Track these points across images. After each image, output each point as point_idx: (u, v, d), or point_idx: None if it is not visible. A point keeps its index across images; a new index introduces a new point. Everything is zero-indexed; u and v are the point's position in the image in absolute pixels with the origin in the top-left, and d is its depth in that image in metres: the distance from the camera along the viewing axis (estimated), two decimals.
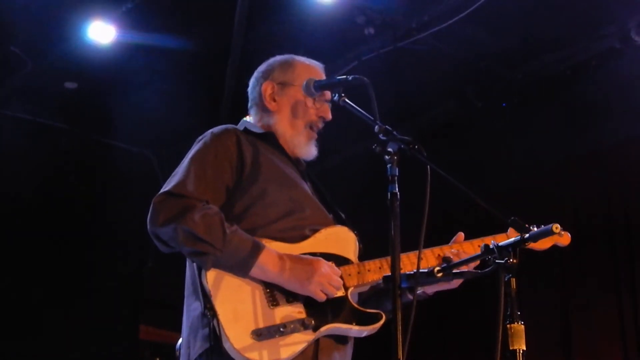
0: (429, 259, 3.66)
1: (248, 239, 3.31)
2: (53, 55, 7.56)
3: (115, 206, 8.88)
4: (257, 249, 3.29)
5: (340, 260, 3.50)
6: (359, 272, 3.50)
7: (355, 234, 3.63)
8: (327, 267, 3.37)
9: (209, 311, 3.22)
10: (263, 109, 3.85)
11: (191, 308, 3.42)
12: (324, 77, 3.84)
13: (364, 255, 3.79)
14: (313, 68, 3.88)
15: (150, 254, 9.04)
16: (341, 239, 3.58)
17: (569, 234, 3.90)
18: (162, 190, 3.40)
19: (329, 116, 3.80)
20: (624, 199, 7.49)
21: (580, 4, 6.76)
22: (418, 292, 3.64)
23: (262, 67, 3.97)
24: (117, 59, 7.45)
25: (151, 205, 3.36)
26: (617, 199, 7.53)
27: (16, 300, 8.31)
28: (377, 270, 3.52)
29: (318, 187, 3.84)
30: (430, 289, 3.71)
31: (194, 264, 3.38)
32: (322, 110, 3.79)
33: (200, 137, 3.66)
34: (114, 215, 8.85)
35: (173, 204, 3.31)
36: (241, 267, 3.28)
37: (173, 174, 3.51)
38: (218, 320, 3.19)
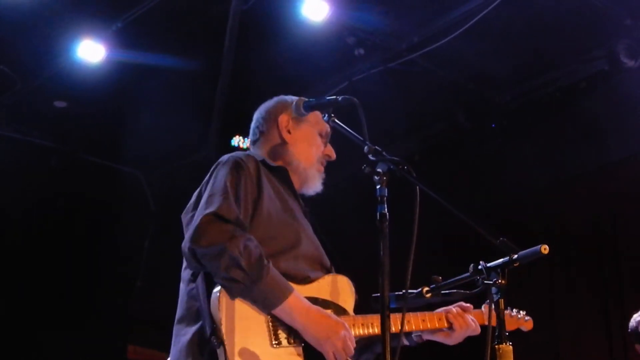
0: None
1: (281, 280, 3.32)
2: (42, 74, 7.56)
3: (104, 226, 8.86)
4: (286, 292, 3.30)
5: (338, 310, 3.53)
6: (353, 325, 3.51)
7: (353, 285, 3.66)
8: (346, 332, 3.38)
9: (216, 339, 3.20)
10: (277, 141, 3.84)
11: (181, 333, 3.39)
12: (326, 126, 3.86)
13: (355, 279, 3.82)
14: (320, 117, 3.89)
15: (139, 274, 9.01)
16: (341, 289, 3.60)
17: (532, 320, 4.12)
18: (208, 211, 3.33)
19: (334, 156, 3.85)
20: (612, 220, 7.50)
21: (570, 26, 6.79)
22: (414, 337, 3.80)
23: (271, 103, 3.94)
24: (107, 78, 7.45)
25: (197, 223, 3.29)
26: (605, 220, 7.54)
27: (3, 319, 8.27)
28: (369, 326, 3.54)
29: (316, 228, 3.85)
30: (427, 336, 3.80)
31: (202, 287, 3.36)
32: (328, 149, 3.86)
33: (223, 160, 3.62)
34: (103, 234, 8.83)
35: (221, 228, 3.28)
36: (267, 304, 3.29)
37: (210, 193, 3.44)
38: (225, 349, 3.18)
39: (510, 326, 3.99)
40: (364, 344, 3.70)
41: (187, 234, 3.31)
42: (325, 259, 3.69)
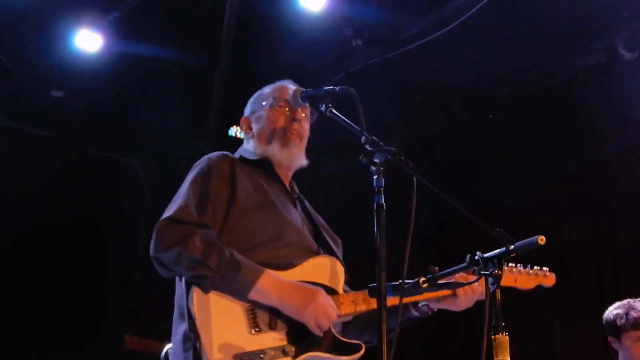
0: None
1: (248, 263, 3.36)
2: (39, 64, 7.55)
3: (101, 216, 8.86)
4: (256, 273, 3.34)
5: (326, 290, 3.52)
6: (342, 303, 3.52)
7: (343, 265, 3.66)
8: (324, 298, 3.41)
9: (192, 333, 3.26)
10: (246, 140, 3.96)
11: (176, 332, 3.45)
12: (289, 90, 3.87)
13: (352, 269, 3.82)
14: (275, 87, 3.96)
15: (136, 264, 9.01)
16: (328, 270, 3.60)
17: (554, 275, 3.98)
18: (164, 216, 3.44)
19: (299, 115, 3.82)
20: (610, 213, 7.49)
21: (568, 18, 6.78)
22: (421, 307, 3.77)
23: None
24: (104, 68, 7.44)
25: (154, 231, 3.40)
26: (603, 213, 7.54)
27: (1, 307, 8.26)
28: (361, 302, 3.55)
29: (310, 215, 3.88)
30: (434, 305, 3.76)
31: (183, 286, 3.40)
32: (292, 113, 3.83)
33: (197, 163, 3.72)
34: (100, 225, 8.82)
35: (175, 230, 3.37)
36: (241, 290, 3.32)
37: (174, 199, 3.55)
38: (200, 344, 3.23)
39: (529, 284, 3.93)
40: (365, 322, 3.70)
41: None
42: (312, 244, 3.70)
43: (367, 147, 3.16)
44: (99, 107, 8.17)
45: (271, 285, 3.34)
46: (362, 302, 3.54)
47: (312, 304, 3.35)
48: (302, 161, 3.86)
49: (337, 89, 3.46)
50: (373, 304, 3.48)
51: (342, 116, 3.40)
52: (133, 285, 9.09)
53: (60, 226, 8.72)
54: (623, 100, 7.06)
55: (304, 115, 3.85)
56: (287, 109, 3.83)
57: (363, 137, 3.19)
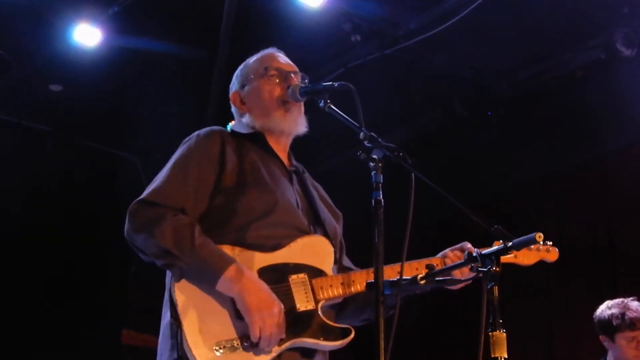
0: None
1: (217, 253, 3.29)
2: (38, 58, 7.54)
3: (99, 210, 8.85)
4: (225, 265, 3.26)
5: (314, 272, 3.45)
6: (331, 285, 3.45)
7: (333, 245, 3.58)
8: (281, 315, 3.26)
9: (175, 321, 3.23)
10: (240, 115, 3.86)
11: (164, 316, 3.41)
12: (278, 58, 3.86)
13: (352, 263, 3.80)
14: (263, 57, 3.90)
15: (134, 259, 8.99)
16: (317, 250, 3.52)
17: (557, 250, 3.89)
18: (137, 198, 3.40)
19: (293, 81, 3.74)
20: (609, 210, 7.49)
21: (567, 15, 6.78)
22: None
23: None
24: (103, 62, 7.44)
25: (127, 214, 3.37)
26: (602, 211, 7.54)
27: None
28: (350, 284, 3.49)
29: (307, 189, 3.79)
30: None
31: (168, 273, 3.38)
32: (286, 80, 3.76)
33: (186, 139, 3.65)
34: (98, 219, 8.82)
35: (145, 214, 3.33)
36: (209, 279, 3.26)
37: (154, 179, 3.50)
38: (182, 331, 3.20)
39: (529, 260, 3.84)
40: (364, 301, 3.63)
41: None
42: (302, 222, 3.59)
43: (366, 143, 3.14)
44: (98, 102, 8.17)
45: (237, 278, 3.23)
46: (351, 284, 3.47)
47: (266, 310, 3.22)
48: (303, 126, 3.77)
49: (336, 84, 3.44)
50: (363, 285, 3.46)
51: (340, 112, 3.40)
52: (131, 280, 9.09)
53: (59, 220, 8.72)
54: (622, 97, 7.06)
55: (297, 80, 3.78)
56: (279, 77, 3.77)
57: (362, 133, 3.17)
